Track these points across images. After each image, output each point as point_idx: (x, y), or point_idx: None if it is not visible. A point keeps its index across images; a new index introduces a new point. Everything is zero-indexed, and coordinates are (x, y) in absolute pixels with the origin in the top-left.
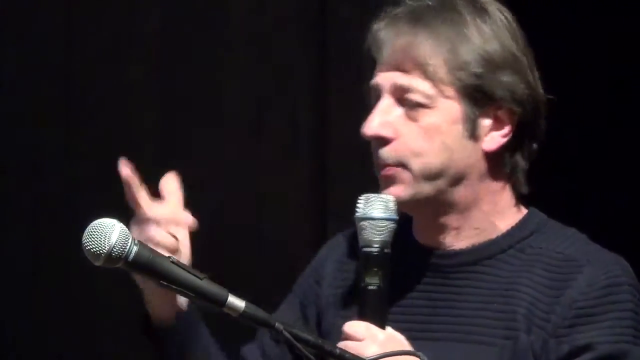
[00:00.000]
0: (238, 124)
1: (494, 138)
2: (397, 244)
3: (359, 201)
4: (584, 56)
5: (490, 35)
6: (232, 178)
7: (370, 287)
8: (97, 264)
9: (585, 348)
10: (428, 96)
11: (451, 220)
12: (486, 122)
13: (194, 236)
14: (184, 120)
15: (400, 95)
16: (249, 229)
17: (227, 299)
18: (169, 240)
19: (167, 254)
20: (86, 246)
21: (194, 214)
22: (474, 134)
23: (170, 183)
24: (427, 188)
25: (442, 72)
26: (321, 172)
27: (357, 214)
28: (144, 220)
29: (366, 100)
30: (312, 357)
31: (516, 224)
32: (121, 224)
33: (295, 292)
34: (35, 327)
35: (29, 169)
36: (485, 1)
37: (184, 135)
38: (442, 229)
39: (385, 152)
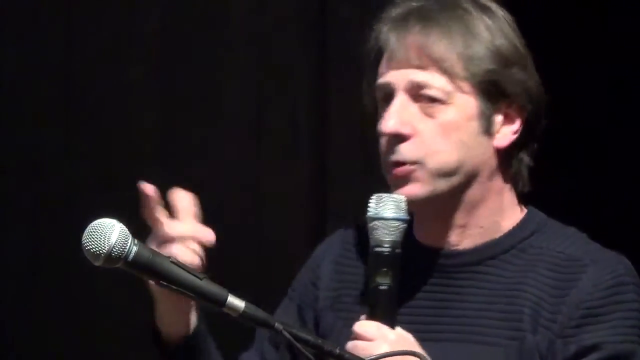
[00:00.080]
0: (238, 124)
1: (506, 135)
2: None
3: (370, 201)
4: (583, 56)
5: (497, 31)
6: (232, 178)
7: (382, 287)
8: (97, 264)
9: (593, 348)
10: (445, 92)
11: (458, 218)
12: (498, 119)
13: None
14: (184, 120)
15: (416, 92)
16: (249, 229)
17: (227, 299)
18: (193, 257)
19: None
20: (86, 246)
21: None
22: (488, 130)
23: (183, 199)
24: (442, 185)
25: (458, 67)
26: (321, 172)
27: (368, 213)
28: (163, 237)
29: (365, 100)
30: (311, 357)
31: (517, 224)
32: (121, 224)
33: (290, 296)
34: (35, 327)
35: (29, 169)
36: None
37: (184, 135)
38: (448, 227)
39: (403, 149)
